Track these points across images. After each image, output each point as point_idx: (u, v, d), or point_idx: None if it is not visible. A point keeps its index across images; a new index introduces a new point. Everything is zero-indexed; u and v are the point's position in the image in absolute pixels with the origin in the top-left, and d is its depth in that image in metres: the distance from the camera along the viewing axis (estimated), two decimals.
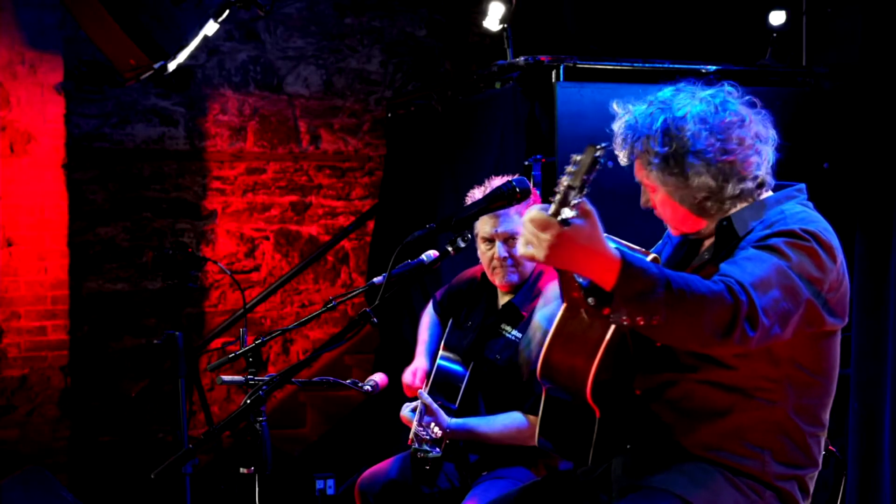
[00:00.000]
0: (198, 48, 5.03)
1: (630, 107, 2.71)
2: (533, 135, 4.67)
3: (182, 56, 4.86)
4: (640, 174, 2.67)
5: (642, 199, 2.72)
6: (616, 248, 2.25)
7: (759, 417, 2.55)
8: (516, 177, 3.12)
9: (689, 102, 2.63)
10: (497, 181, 3.37)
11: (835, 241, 2.55)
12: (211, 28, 4.89)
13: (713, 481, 2.55)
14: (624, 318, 2.24)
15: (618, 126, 2.69)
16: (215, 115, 6.76)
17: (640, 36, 6.01)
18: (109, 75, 6.19)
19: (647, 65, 4.74)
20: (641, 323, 2.24)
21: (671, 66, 4.71)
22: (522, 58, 4.67)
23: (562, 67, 4.57)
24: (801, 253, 2.46)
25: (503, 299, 3.74)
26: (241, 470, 3.09)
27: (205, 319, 6.74)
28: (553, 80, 4.58)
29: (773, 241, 2.48)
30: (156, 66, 4.76)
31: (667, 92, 2.68)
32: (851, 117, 4.65)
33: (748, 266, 2.41)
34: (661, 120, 2.61)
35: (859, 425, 4.37)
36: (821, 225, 2.57)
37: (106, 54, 4.95)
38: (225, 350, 6.12)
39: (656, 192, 2.65)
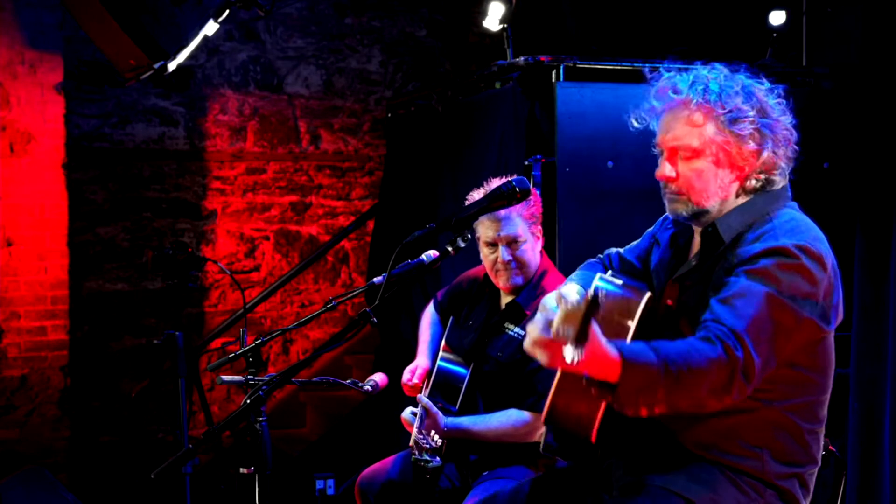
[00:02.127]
0: (198, 48, 5.03)
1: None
2: (533, 135, 4.66)
3: (182, 56, 4.86)
4: (689, 133, 2.64)
5: (663, 169, 2.67)
6: (615, 347, 2.31)
7: (755, 417, 2.55)
8: (516, 177, 3.13)
9: (752, 79, 2.67)
10: (496, 182, 3.37)
11: (823, 248, 2.55)
12: (211, 28, 4.89)
13: (714, 480, 2.56)
14: (628, 409, 2.36)
15: (682, 77, 2.68)
16: (215, 115, 6.76)
17: (640, 36, 6.01)
18: (109, 75, 6.19)
19: (647, 65, 4.72)
20: (645, 414, 2.36)
21: (671, 65, 4.71)
22: (522, 58, 4.67)
23: (562, 67, 4.57)
24: (792, 273, 2.48)
25: (506, 298, 3.74)
26: (241, 470, 3.09)
27: (205, 319, 6.74)
28: (553, 80, 4.58)
29: (763, 263, 2.49)
30: (156, 66, 4.76)
31: (718, 67, 2.70)
32: (851, 117, 4.65)
33: (739, 305, 2.45)
34: (737, 79, 2.64)
35: (859, 425, 4.37)
36: (809, 234, 2.57)
37: (106, 54, 4.96)
38: (225, 350, 6.11)
39: (700, 157, 2.63)
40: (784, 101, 2.70)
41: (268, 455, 3.03)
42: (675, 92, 2.68)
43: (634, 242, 3.02)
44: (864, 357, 4.37)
